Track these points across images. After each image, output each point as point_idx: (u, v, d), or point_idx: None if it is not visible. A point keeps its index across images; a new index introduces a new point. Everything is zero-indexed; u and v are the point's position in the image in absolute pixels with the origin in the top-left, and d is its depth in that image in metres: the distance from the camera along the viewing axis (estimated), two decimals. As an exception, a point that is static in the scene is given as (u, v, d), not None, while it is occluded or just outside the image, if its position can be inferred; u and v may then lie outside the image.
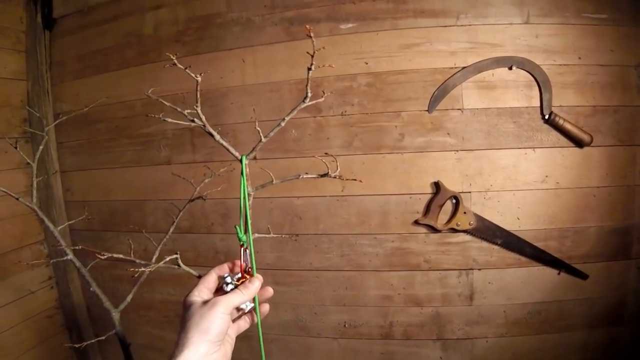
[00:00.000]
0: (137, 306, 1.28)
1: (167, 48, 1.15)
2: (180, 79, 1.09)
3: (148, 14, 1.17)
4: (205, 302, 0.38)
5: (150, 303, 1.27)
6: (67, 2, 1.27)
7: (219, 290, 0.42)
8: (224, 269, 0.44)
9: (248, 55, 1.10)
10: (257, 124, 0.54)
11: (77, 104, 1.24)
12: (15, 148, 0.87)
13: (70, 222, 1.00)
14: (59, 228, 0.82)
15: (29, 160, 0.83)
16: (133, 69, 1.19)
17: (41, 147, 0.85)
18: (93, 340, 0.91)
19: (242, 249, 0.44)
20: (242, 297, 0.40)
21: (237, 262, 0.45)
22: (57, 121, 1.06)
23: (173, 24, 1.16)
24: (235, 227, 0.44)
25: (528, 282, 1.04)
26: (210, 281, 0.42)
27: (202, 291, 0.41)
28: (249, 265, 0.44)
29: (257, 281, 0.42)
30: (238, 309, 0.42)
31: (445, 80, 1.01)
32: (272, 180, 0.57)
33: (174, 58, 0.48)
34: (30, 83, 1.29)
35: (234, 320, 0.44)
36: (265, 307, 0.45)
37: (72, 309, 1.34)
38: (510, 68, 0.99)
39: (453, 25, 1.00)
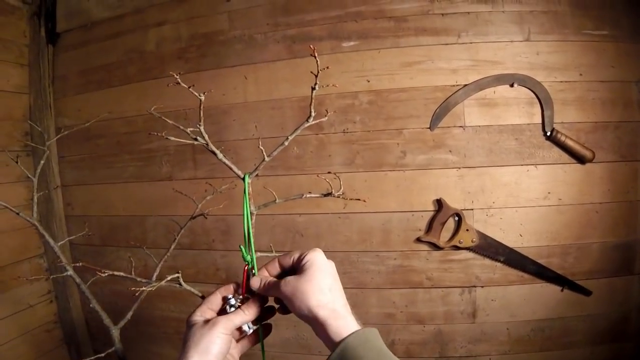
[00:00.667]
0: (136, 322, 1.26)
1: (169, 65, 1.15)
2: (183, 95, 1.07)
3: (151, 30, 1.18)
4: (206, 322, 0.38)
5: (150, 319, 1.26)
6: (71, 17, 1.28)
7: (223, 312, 0.41)
8: (229, 289, 0.43)
9: (250, 73, 1.11)
10: (260, 143, 0.54)
11: (79, 118, 1.24)
12: (16, 162, 0.86)
13: (70, 238, 0.99)
14: (59, 244, 0.81)
15: (29, 175, 0.83)
16: (135, 85, 1.20)
17: (42, 162, 0.85)
18: (92, 358, 0.89)
19: (246, 268, 0.44)
20: (244, 317, 0.39)
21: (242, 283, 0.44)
22: (59, 136, 1.06)
23: (175, 41, 1.16)
24: (240, 247, 0.44)
25: (531, 299, 1.03)
26: (214, 302, 0.42)
27: (206, 312, 0.40)
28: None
29: (259, 301, 0.41)
30: (241, 330, 0.41)
31: (447, 98, 1.01)
32: (275, 200, 0.56)
33: (177, 77, 0.48)
34: (33, 97, 1.29)
35: (237, 340, 0.43)
36: (269, 327, 0.44)
37: (71, 323, 1.33)
38: (512, 85, 1.00)
39: (454, 43, 1.01)
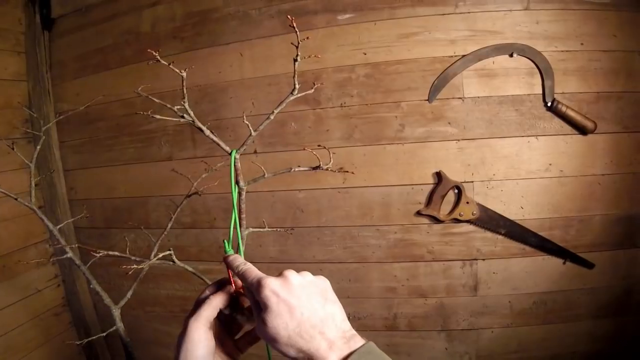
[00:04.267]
0: (143, 302, 1.29)
1: (164, 45, 1.15)
2: (179, 75, 1.09)
3: (145, 11, 1.18)
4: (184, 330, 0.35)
5: (156, 299, 1.28)
6: (65, 2, 1.28)
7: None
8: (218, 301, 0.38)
9: (246, 49, 1.10)
10: (244, 117, 0.54)
11: (78, 103, 1.24)
12: (12, 149, 0.86)
13: (69, 221, 1.01)
14: (58, 227, 0.82)
15: (26, 161, 0.83)
16: (132, 66, 1.20)
17: (38, 147, 0.85)
18: (94, 337, 0.91)
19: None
20: (212, 304, 0.36)
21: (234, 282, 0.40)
22: (55, 120, 1.07)
23: (170, 20, 1.16)
24: (223, 242, 0.41)
25: (533, 271, 1.03)
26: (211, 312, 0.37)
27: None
28: (236, 280, 0.39)
29: (229, 287, 0.38)
30: (236, 322, 0.39)
31: (445, 69, 1.00)
32: (264, 174, 0.56)
33: (156, 54, 0.48)
34: (31, 84, 1.29)
35: (238, 340, 0.40)
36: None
37: (79, 306, 1.35)
38: (511, 55, 0.98)
39: (452, 13, 0.99)
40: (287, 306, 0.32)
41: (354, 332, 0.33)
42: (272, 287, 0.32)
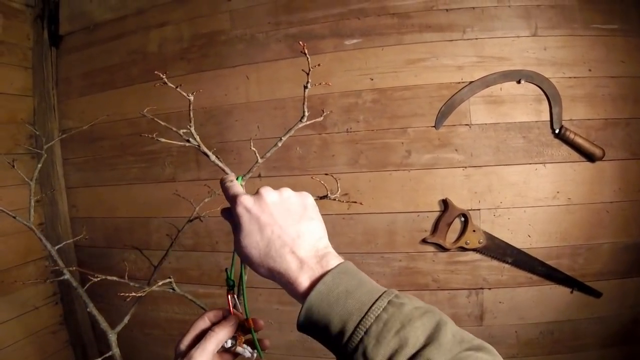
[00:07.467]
0: (141, 325, 1.27)
1: (171, 66, 1.15)
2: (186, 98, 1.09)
3: (153, 31, 1.18)
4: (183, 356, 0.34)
5: (155, 321, 1.26)
6: (74, 19, 1.29)
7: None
8: (218, 314, 0.38)
9: (252, 72, 1.10)
10: (252, 144, 0.53)
11: (83, 121, 1.25)
12: (13, 166, 0.85)
13: (69, 241, 0.99)
14: (56, 247, 0.81)
15: (26, 179, 0.82)
16: (138, 86, 1.20)
17: (39, 165, 0.84)
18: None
19: (230, 295, 0.38)
20: (218, 337, 0.34)
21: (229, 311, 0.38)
22: (58, 138, 1.06)
23: (177, 41, 1.16)
24: (225, 271, 0.39)
25: (540, 301, 1.01)
26: (202, 328, 0.36)
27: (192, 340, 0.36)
28: (239, 311, 0.38)
29: (233, 319, 0.36)
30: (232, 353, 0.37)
31: (452, 96, 0.99)
32: None
33: (163, 77, 0.47)
34: (37, 100, 1.30)
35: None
36: (265, 343, 0.39)
37: (76, 325, 1.33)
38: (519, 82, 0.97)
39: (459, 39, 0.99)
40: (258, 224, 0.30)
41: (329, 250, 0.31)
42: (245, 204, 0.31)
